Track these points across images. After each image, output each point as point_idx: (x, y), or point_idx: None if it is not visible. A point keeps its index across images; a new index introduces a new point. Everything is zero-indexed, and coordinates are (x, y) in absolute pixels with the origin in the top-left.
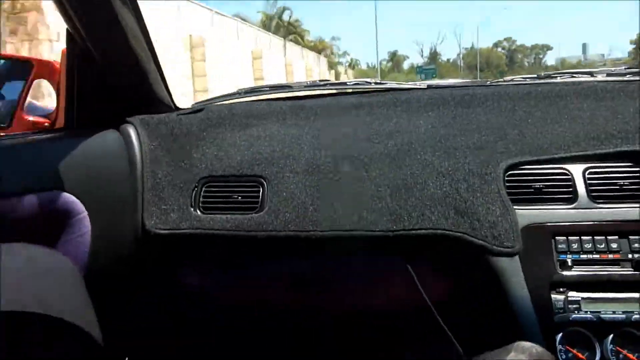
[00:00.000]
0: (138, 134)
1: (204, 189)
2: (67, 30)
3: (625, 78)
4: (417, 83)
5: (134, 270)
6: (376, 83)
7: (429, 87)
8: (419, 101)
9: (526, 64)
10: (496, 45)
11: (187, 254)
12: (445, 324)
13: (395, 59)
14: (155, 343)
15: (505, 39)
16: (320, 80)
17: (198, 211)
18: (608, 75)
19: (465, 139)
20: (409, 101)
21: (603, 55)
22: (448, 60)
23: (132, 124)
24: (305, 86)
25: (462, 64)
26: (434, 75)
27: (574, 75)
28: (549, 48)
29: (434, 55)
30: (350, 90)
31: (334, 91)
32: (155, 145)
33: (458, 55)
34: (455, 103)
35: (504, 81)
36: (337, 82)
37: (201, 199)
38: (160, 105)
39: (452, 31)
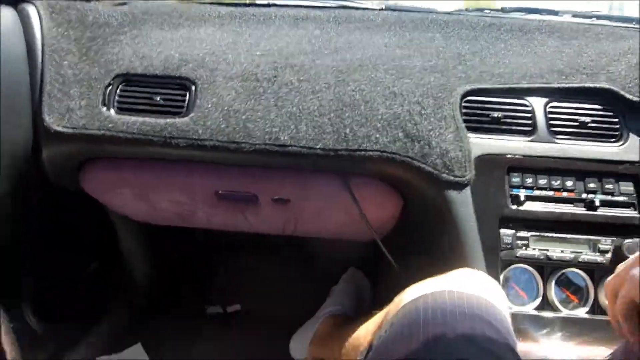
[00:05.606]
0: (39, 15)
1: (120, 87)
2: None
3: (590, 21)
4: (373, 3)
5: (32, 188)
6: None
7: (387, 7)
8: (374, 20)
9: None
10: None
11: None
12: (388, 250)
13: None
14: None
15: None
16: None
17: (111, 110)
18: (574, 16)
19: (422, 61)
20: (363, 19)
21: None
22: None
23: (32, 4)
24: None
25: None
26: None
27: (540, 12)
28: None
29: None
30: (300, 3)
31: (284, 2)
32: (61, 31)
33: None
34: (413, 26)
35: (467, 11)
36: None
37: (116, 98)
38: None
39: None
